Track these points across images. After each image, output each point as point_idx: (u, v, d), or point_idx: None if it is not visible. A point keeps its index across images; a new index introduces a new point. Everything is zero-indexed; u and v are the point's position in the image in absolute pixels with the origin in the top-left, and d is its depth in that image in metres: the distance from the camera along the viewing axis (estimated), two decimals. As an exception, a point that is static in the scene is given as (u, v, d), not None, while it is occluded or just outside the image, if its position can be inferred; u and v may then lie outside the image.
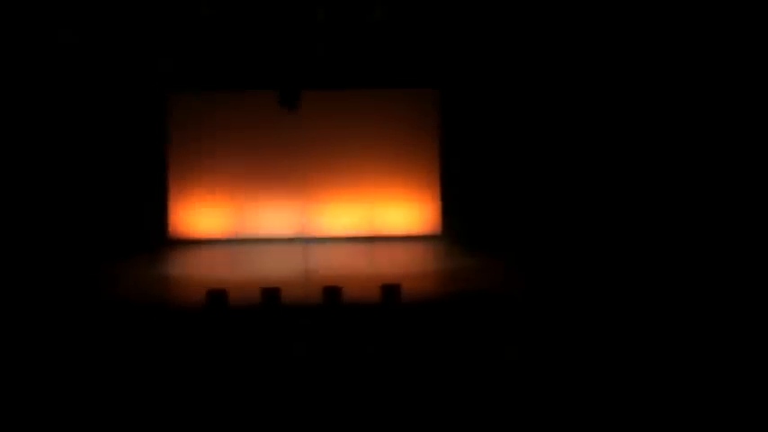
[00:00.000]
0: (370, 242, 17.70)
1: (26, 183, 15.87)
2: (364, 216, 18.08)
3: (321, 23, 15.73)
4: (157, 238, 17.39)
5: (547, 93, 16.73)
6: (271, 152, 17.83)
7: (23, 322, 11.69)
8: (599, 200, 16.22)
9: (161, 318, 12.50)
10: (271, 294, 12.67)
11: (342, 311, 12.58)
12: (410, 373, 10.70)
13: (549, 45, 16.27)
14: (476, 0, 15.43)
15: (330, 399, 10.15)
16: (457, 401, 10.03)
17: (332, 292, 12.70)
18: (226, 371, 10.81)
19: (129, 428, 9.48)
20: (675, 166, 15.69)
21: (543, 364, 10.82)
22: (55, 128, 16.20)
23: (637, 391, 9.71)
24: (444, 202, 17.89)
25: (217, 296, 12.62)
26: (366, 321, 12.25)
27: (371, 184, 17.97)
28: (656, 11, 15.34)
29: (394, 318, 12.54)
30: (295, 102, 16.37)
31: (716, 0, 14.95)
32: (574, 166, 16.64)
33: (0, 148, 15.53)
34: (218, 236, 17.85)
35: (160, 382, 10.43)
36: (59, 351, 10.89)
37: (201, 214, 17.89)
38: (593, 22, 15.75)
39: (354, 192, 17.99)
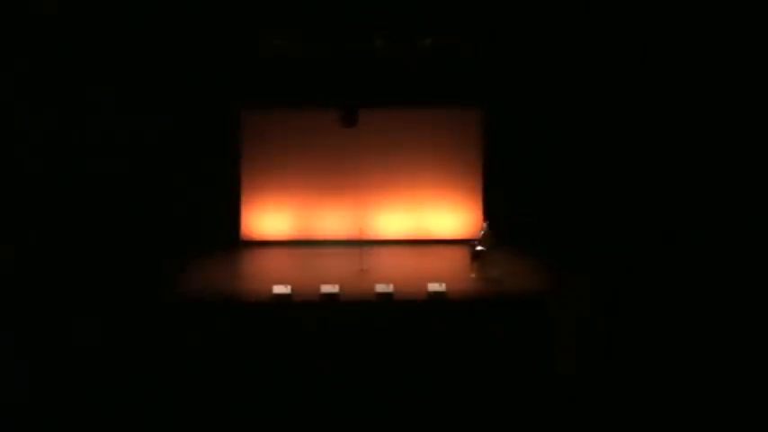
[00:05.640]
0: (418, 245, 18.40)
1: (115, 189, 16.93)
2: (414, 222, 18.89)
3: (378, 50, 16.68)
4: (231, 239, 18.47)
5: (578, 107, 17.29)
6: (332, 164, 18.83)
7: (109, 314, 12.67)
8: (636, 208, 16.52)
9: (232, 310, 13.45)
10: (330, 292, 13.77)
11: (391, 308, 13.55)
12: (452, 364, 11.84)
13: (581, 62, 16.79)
14: (513, 30, 16.28)
15: (384, 385, 11.24)
16: (491, 394, 10.93)
17: (384, 292, 13.83)
18: (287, 356, 11.97)
19: (203, 408, 10.44)
20: (711, 180, 15.71)
21: (578, 365, 11.32)
22: (141, 141, 17.24)
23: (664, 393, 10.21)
24: (486, 210, 18.62)
25: (282, 292, 13.69)
26: (412, 317, 13.16)
27: (421, 193, 18.87)
28: (691, 41, 15.57)
29: (439, 315, 13.34)
30: (354, 119, 17.33)
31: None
32: (609, 175, 17.09)
33: (96, 158, 16.57)
34: (285, 238, 18.84)
35: (230, 367, 11.61)
36: (141, 341, 11.97)
37: (270, 218, 18.90)
38: (631, 45, 16.12)
39: (405, 200, 18.89)
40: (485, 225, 15.97)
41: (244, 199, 18.85)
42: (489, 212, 18.49)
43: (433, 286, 14.12)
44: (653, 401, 10.25)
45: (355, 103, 17.33)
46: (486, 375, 11.62)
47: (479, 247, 15.52)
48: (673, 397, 10.31)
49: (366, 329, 12.85)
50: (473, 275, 15.38)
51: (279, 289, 13.96)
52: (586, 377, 10.99)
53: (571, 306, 12.99)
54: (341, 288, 14.07)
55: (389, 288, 14.07)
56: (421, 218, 18.90)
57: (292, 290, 13.98)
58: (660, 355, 11.32)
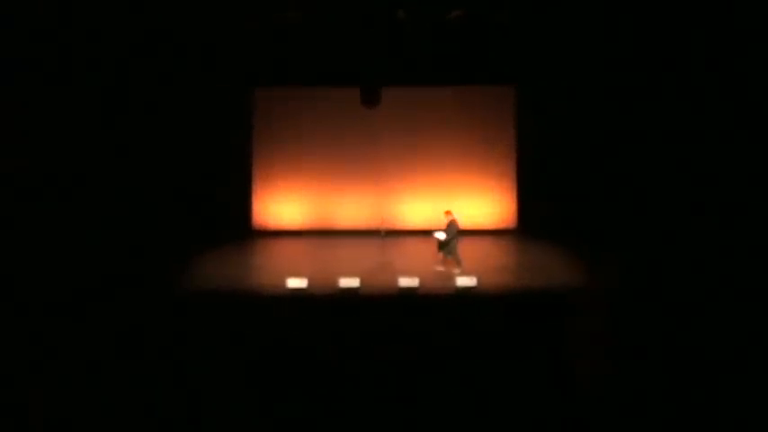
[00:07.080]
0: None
1: (123, 179, 16.59)
2: (440, 210, 17.78)
3: (401, 23, 15.79)
4: (243, 228, 17.89)
5: (617, 88, 16.54)
6: (351, 147, 18.15)
7: (119, 306, 12.33)
8: (675, 197, 15.84)
9: (243, 305, 13.07)
10: (349, 286, 13.29)
11: (415, 302, 13.08)
12: (479, 360, 10.99)
13: (622, 39, 16.01)
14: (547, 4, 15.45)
15: (406, 385, 10.46)
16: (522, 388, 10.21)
17: (409, 286, 13.24)
18: (303, 355, 11.25)
19: (219, 401, 10.04)
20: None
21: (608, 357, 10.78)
22: (148, 125, 16.83)
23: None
24: (519, 198, 18.01)
25: (297, 285, 13.26)
26: (440, 312, 12.63)
27: (448, 179, 18.12)
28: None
29: (468, 310, 12.81)
30: (375, 98, 16.54)
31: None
32: (650, 161, 16.29)
33: (104, 147, 16.25)
34: (300, 227, 18.23)
35: (242, 365, 10.97)
36: (150, 334, 11.58)
37: (284, 206, 18.28)
38: (667, 26, 15.42)
39: (431, 186, 18.15)
40: (448, 214, 15.17)
41: (255, 185, 18.25)
42: (523, 199, 17.94)
43: (462, 281, 13.49)
44: (675, 401, 9.76)
45: (377, 81, 16.54)
46: (511, 371, 10.92)
47: (442, 237, 14.81)
48: (694, 396, 9.81)
49: (388, 326, 12.13)
50: (441, 269, 14.68)
51: (294, 282, 13.44)
52: (608, 376, 10.55)
53: (594, 302, 12.61)
54: (361, 281, 13.46)
55: (414, 282, 13.41)
56: (448, 206, 17.58)
57: (308, 283, 13.45)
58: (682, 354, 10.83)
